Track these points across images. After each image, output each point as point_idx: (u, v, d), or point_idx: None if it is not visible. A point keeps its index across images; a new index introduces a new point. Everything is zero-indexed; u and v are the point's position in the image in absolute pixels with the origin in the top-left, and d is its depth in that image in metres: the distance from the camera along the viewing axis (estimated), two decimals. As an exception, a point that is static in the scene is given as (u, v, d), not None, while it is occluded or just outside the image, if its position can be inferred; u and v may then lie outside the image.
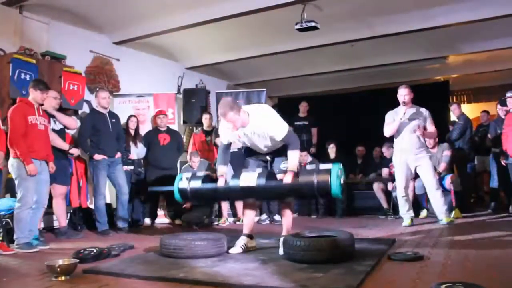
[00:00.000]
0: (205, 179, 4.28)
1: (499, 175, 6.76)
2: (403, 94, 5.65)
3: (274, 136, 4.02)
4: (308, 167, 3.99)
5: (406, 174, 5.76)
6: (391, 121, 5.71)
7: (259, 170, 4.04)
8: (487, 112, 8.45)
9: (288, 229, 4.26)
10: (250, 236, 4.24)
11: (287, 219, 4.34)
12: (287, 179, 3.92)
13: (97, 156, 5.96)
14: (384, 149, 7.30)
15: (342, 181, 3.84)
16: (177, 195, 4.34)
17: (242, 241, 4.15)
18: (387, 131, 5.74)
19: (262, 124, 4.01)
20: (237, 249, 4.06)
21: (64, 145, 5.70)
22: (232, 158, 4.59)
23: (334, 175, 3.75)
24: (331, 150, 7.97)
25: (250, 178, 3.96)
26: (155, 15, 7.20)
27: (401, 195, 5.83)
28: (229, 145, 4.33)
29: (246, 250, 4.09)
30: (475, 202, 8.23)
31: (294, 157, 4.01)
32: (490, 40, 8.47)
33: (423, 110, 5.74)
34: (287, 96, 11.84)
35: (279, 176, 4.06)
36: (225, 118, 3.98)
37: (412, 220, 5.81)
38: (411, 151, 5.64)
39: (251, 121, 4.03)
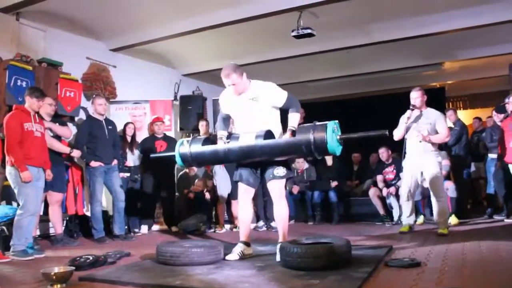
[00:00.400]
0: (206, 142, 4.26)
1: (496, 180, 6.79)
2: (413, 97, 5.59)
3: (275, 101, 4.08)
4: (305, 125, 3.96)
5: (412, 179, 5.62)
6: (402, 125, 5.67)
7: (258, 131, 4.00)
8: (479, 118, 8.50)
9: (285, 235, 4.17)
10: (247, 244, 4.21)
11: (282, 224, 4.23)
12: (286, 136, 3.96)
13: (93, 163, 5.95)
14: (381, 151, 7.27)
15: (338, 137, 3.86)
16: (178, 160, 4.33)
17: (239, 248, 4.14)
18: (395, 135, 5.67)
19: (262, 90, 4.08)
20: (233, 256, 4.04)
21: (64, 148, 5.70)
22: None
23: (330, 131, 3.76)
24: (328, 157, 7.97)
25: (249, 137, 3.96)
26: (151, 22, 7.22)
27: (404, 199, 5.75)
28: (228, 115, 4.36)
29: (243, 257, 4.08)
30: (472, 208, 8.23)
31: (295, 118, 4.07)
32: (485, 47, 8.53)
33: (433, 113, 5.61)
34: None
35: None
36: (228, 79, 4.04)
37: (410, 227, 5.74)
38: (418, 155, 5.54)
39: (252, 87, 4.11)
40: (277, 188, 4.13)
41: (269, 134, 4.00)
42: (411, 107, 5.58)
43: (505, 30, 7.43)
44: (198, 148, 4.23)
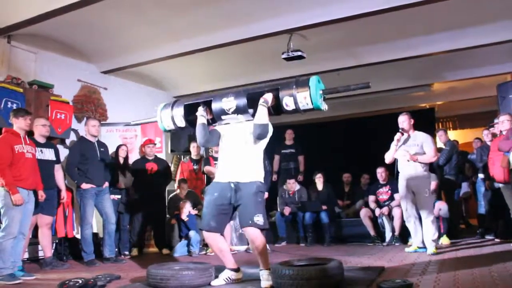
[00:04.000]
0: (189, 106, 4.25)
1: (486, 200, 6.84)
2: (401, 121, 5.78)
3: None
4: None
5: (408, 200, 5.75)
6: (392, 148, 5.80)
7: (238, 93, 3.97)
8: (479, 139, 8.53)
9: (266, 262, 3.89)
10: (235, 270, 4.06)
11: (259, 251, 3.85)
12: (267, 95, 3.86)
13: (84, 185, 5.92)
14: (379, 170, 7.29)
15: (321, 92, 3.79)
16: (160, 124, 4.39)
17: (225, 274, 4.02)
18: (386, 158, 5.86)
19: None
20: (219, 281, 3.95)
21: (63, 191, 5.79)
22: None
23: (313, 86, 3.70)
24: (318, 180, 8.01)
25: (231, 101, 3.95)
26: (142, 44, 7.26)
27: (407, 222, 5.88)
28: (216, 133, 4.21)
29: (231, 282, 3.99)
30: (464, 228, 8.26)
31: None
32: (473, 68, 8.67)
33: (420, 135, 5.77)
34: (274, 124, 11.85)
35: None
36: None
37: (417, 247, 5.77)
38: (410, 177, 5.69)
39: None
40: (253, 235, 3.84)
41: (250, 95, 3.96)
42: (400, 130, 5.74)
43: (492, 52, 7.56)
44: (180, 111, 4.27)
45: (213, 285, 3.89)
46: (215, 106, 4.05)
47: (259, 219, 3.81)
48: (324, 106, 3.82)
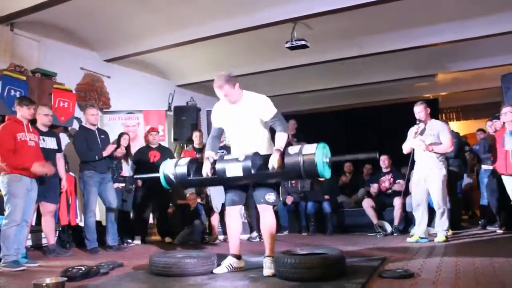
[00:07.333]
0: (191, 163, 4.17)
1: (488, 192, 6.82)
2: (417, 111, 5.76)
3: (262, 114, 4.00)
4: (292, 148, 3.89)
5: (420, 190, 5.78)
6: (409, 138, 5.83)
7: (242, 157, 3.88)
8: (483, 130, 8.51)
9: (272, 248, 4.02)
10: (237, 257, 4.10)
11: (268, 235, 4.05)
12: (274, 159, 3.80)
13: (106, 152, 6.02)
14: (382, 158, 7.30)
15: (327, 160, 3.76)
16: (163, 181, 4.24)
17: (228, 261, 4.04)
18: (404, 149, 5.90)
19: (253, 101, 4.03)
20: (221, 269, 3.96)
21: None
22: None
23: (320, 154, 3.67)
24: None
25: (236, 168, 3.85)
26: (146, 33, 7.24)
27: (414, 210, 5.91)
28: (221, 131, 4.28)
29: (233, 270, 4.01)
30: (467, 219, 8.27)
31: (282, 138, 3.96)
32: (477, 59, 8.64)
33: (437, 124, 5.82)
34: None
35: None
36: (220, 90, 3.98)
37: (419, 237, 5.80)
38: (425, 167, 5.72)
39: (244, 98, 4.06)
40: (265, 211, 4.03)
41: (257, 158, 3.90)
42: (417, 121, 5.76)
43: (496, 42, 7.53)
44: (183, 170, 4.13)
45: (215, 273, 3.90)
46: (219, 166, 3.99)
47: (270, 197, 3.99)
48: (329, 174, 3.81)
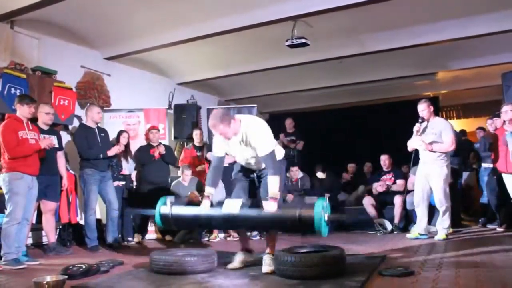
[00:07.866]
0: (189, 203, 4.20)
1: (489, 190, 6.82)
2: (420, 109, 5.78)
3: (256, 148, 3.91)
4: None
5: (422, 187, 5.81)
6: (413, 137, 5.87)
7: (244, 199, 3.93)
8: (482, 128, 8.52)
9: (272, 246, 4.07)
10: (249, 251, 4.19)
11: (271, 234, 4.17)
12: (270, 206, 3.75)
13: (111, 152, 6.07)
14: (383, 157, 7.32)
15: (326, 217, 3.72)
16: (158, 221, 4.19)
17: (240, 256, 4.11)
18: (409, 146, 5.95)
19: (250, 134, 3.92)
20: (235, 264, 4.03)
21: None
22: (225, 173, 4.55)
23: (319, 210, 3.63)
24: (320, 174, 8.01)
25: (234, 205, 3.84)
26: (146, 31, 7.23)
27: (416, 207, 5.95)
28: (221, 160, 4.21)
29: (246, 264, 4.06)
30: (466, 217, 8.26)
31: (274, 183, 3.81)
32: (477, 57, 8.62)
33: (440, 122, 5.84)
34: (278, 112, 11.87)
35: (264, 203, 3.84)
36: (215, 130, 3.91)
37: (418, 234, 5.83)
38: (428, 163, 5.76)
39: (242, 128, 3.94)
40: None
41: (254, 204, 3.91)
42: (419, 120, 5.78)
43: (496, 40, 7.50)
44: (180, 210, 4.12)
45: (228, 268, 3.99)
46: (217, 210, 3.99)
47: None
48: (326, 232, 3.79)
